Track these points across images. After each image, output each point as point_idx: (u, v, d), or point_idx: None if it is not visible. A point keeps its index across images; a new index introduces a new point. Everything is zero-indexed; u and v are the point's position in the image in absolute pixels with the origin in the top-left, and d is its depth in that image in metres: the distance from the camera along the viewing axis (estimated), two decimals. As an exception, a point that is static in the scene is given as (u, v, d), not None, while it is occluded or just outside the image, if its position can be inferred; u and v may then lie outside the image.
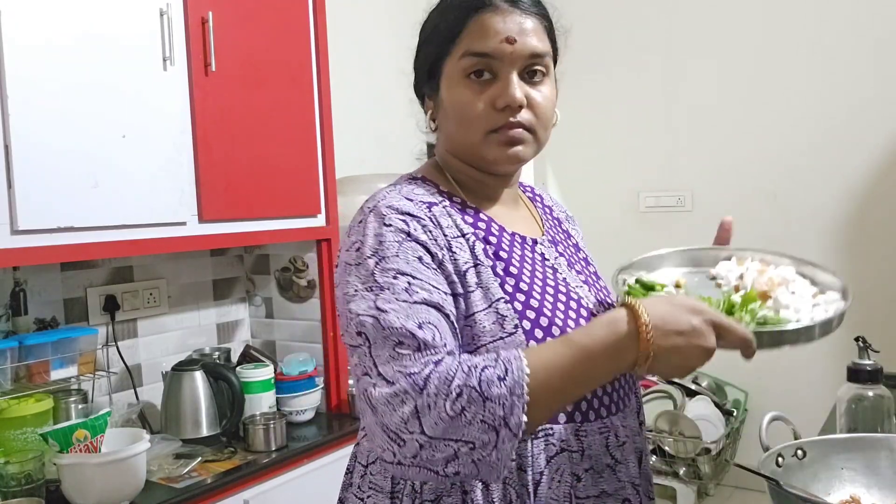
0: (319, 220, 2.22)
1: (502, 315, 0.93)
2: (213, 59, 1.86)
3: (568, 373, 0.83)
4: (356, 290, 0.89)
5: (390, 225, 0.92)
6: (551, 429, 0.95)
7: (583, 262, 1.14)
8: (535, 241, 1.07)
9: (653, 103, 3.68)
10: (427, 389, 0.80)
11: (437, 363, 0.82)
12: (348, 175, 2.54)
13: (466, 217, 1.00)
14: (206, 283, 2.33)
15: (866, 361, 1.44)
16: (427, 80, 1.04)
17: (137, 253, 1.91)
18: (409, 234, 0.92)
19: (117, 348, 2.05)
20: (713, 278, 1.18)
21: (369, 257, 0.90)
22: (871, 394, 1.41)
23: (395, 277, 0.88)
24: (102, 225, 1.66)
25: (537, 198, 1.20)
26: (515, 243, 1.03)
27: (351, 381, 2.31)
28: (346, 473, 1.08)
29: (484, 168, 1.04)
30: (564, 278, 1.05)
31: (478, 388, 0.80)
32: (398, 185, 1.02)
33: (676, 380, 3.36)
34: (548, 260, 1.06)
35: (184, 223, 1.84)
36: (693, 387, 3.33)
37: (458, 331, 0.91)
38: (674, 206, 3.71)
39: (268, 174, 2.03)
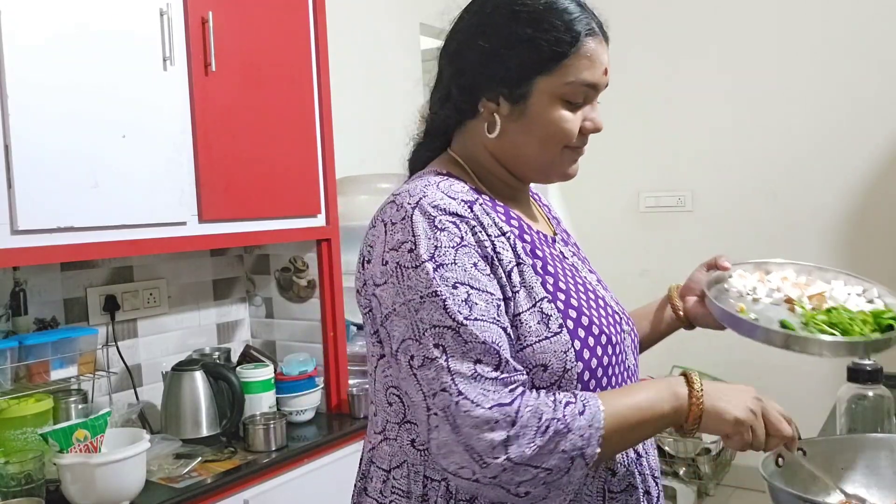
0: (319, 220, 2.22)
1: (546, 314, 0.94)
2: (213, 59, 1.85)
3: (631, 427, 0.91)
4: (422, 297, 0.88)
5: (443, 229, 0.91)
6: None
7: (587, 262, 1.16)
8: (553, 239, 1.09)
9: (653, 103, 3.68)
10: (519, 422, 0.84)
11: (522, 394, 0.87)
12: (348, 175, 2.54)
13: (500, 215, 1.00)
14: (206, 283, 2.33)
15: (866, 361, 1.44)
16: (508, 87, 0.99)
17: (137, 253, 1.90)
18: (462, 239, 0.92)
19: (117, 348, 2.05)
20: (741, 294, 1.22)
21: (426, 261, 0.89)
22: (871, 394, 1.41)
23: (454, 287, 0.88)
24: (102, 225, 1.66)
25: (535, 196, 1.20)
26: (543, 241, 1.04)
27: (352, 382, 2.32)
28: (360, 479, 1.06)
29: (534, 179, 1.07)
30: (584, 276, 1.07)
31: (563, 421, 0.86)
32: (429, 178, 0.99)
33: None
34: (567, 259, 1.07)
35: (184, 223, 1.84)
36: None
37: (513, 343, 0.92)
38: (674, 206, 3.71)
39: (268, 174, 2.03)
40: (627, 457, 1.00)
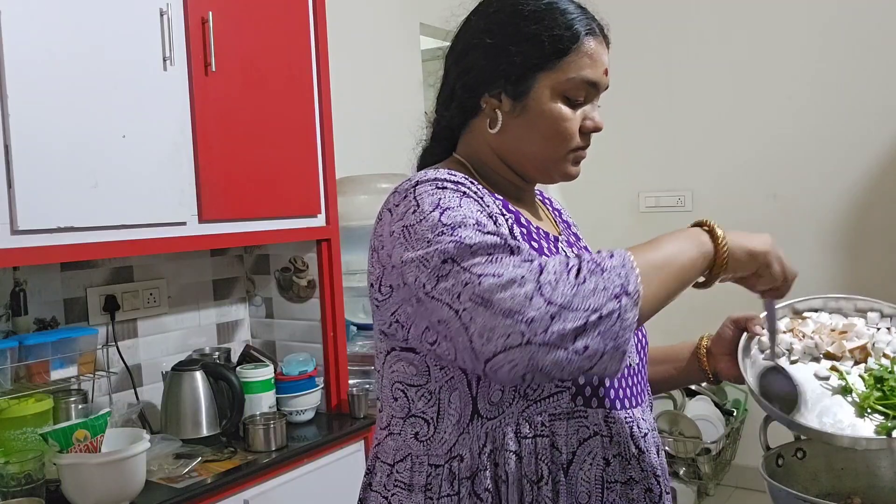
0: (319, 220, 2.22)
1: None
2: (213, 59, 1.85)
3: (664, 270, 0.89)
4: (428, 240, 0.87)
5: (444, 188, 0.93)
6: (584, 411, 0.98)
7: None
8: (556, 239, 1.10)
9: (653, 103, 3.68)
10: (546, 269, 0.83)
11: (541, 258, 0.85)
12: (348, 175, 2.54)
13: (497, 205, 1.01)
14: (206, 283, 2.33)
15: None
16: (511, 83, 1.01)
17: (137, 253, 1.91)
18: (465, 194, 0.93)
19: (117, 348, 2.05)
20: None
21: (431, 211, 0.90)
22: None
23: (462, 221, 0.88)
24: (102, 225, 1.66)
25: (546, 200, 1.22)
26: (542, 237, 1.06)
27: (352, 382, 2.32)
28: (367, 474, 1.07)
29: (535, 177, 1.08)
30: None
31: (594, 262, 0.84)
32: (429, 169, 1.01)
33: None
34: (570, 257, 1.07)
35: (184, 223, 1.84)
36: (693, 387, 3.33)
37: None
38: (674, 206, 3.71)
39: (268, 174, 2.03)
40: (627, 450, 1.00)
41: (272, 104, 2.04)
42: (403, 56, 3.15)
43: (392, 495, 1.00)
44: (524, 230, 1.03)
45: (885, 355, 1.10)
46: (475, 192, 0.95)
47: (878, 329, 1.17)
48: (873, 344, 1.12)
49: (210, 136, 1.87)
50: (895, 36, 3.17)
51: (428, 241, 0.88)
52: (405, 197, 0.94)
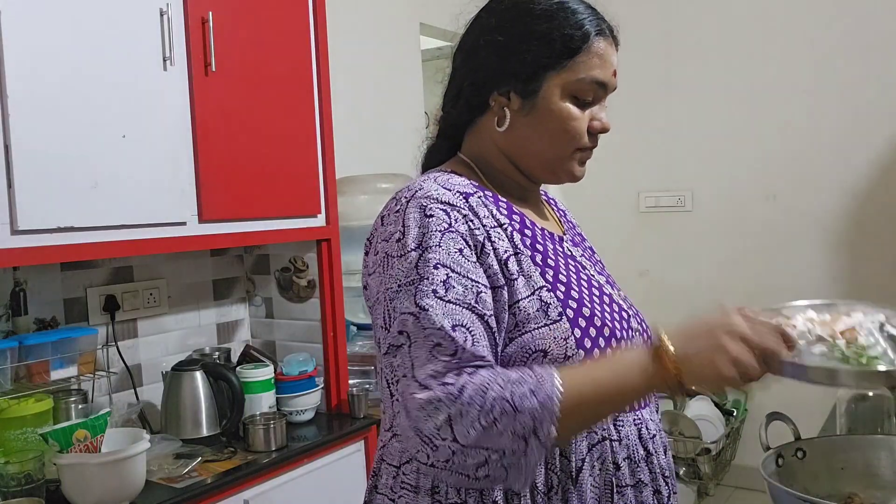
0: (319, 220, 2.22)
1: (546, 303, 0.96)
2: (213, 59, 1.85)
3: (593, 404, 0.87)
4: (399, 286, 0.90)
5: (432, 216, 0.93)
6: None
7: (601, 265, 1.17)
8: (561, 239, 1.10)
9: (653, 104, 3.68)
10: (461, 399, 0.83)
11: (471, 374, 0.85)
12: (348, 175, 2.54)
13: (501, 209, 1.02)
14: (206, 283, 2.33)
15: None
16: (521, 81, 1.01)
17: (137, 253, 1.90)
18: (450, 226, 0.93)
19: (117, 348, 2.05)
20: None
21: (413, 250, 0.91)
22: (871, 394, 1.41)
23: (435, 268, 0.89)
24: (102, 225, 1.66)
25: (551, 200, 1.22)
26: (547, 238, 1.06)
27: (352, 382, 2.32)
28: (372, 476, 1.07)
29: (541, 177, 1.08)
30: (591, 274, 1.08)
31: (511, 402, 0.83)
32: (430, 174, 1.02)
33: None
34: (574, 257, 1.08)
35: (184, 223, 1.84)
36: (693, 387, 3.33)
37: (494, 332, 0.92)
38: (674, 206, 3.71)
39: (268, 174, 2.03)
40: (637, 453, 1.01)
41: (272, 104, 2.04)
42: (403, 56, 3.14)
43: (398, 497, 1.00)
44: (529, 232, 1.02)
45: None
46: (463, 217, 0.94)
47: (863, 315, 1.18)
48: (860, 326, 1.13)
49: (210, 136, 1.87)
50: (895, 36, 3.17)
51: (397, 289, 0.90)
52: (397, 211, 0.96)
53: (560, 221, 1.18)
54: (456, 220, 0.94)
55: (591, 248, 1.20)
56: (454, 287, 0.89)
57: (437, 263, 0.90)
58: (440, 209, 0.94)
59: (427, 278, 0.89)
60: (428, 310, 0.87)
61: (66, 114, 1.59)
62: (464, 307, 0.89)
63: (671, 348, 0.87)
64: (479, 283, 0.92)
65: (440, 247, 0.91)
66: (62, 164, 1.58)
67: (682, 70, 3.63)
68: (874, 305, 1.20)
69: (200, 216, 1.86)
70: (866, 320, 1.16)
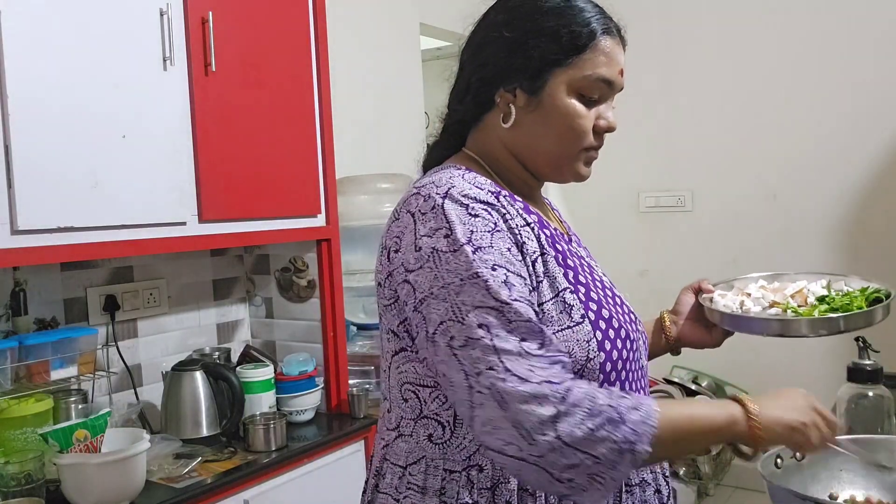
0: (319, 220, 2.22)
1: (569, 304, 0.96)
2: (213, 59, 1.85)
3: (684, 434, 0.90)
4: (462, 280, 0.89)
5: (476, 215, 0.93)
6: None
7: (597, 264, 1.17)
8: (570, 239, 1.10)
9: (653, 103, 3.68)
10: (569, 398, 0.84)
11: (573, 379, 0.87)
12: (348, 175, 2.54)
13: (521, 208, 1.01)
14: (206, 283, 2.33)
15: (866, 361, 1.45)
16: (528, 77, 1.01)
17: (137, 253, 1.90)
18: (495, 225, 0.93)
19: (117, 348, 2.05)
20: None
21: (465, 244, 0.90)
22: (871, 394, 1.41)
23: (493, 269, 0.89)
24: (102, 225, 1.66)
25: (547, 200, 1.22)
26: (561, 238, 1.06)
27: (352, 382, 2.32)
28: (374, 475, 1.06)
29: (547, 176, 1.07)
30: (601, 276, 1.09)
31: (618, 411, 0.84)
32: (451, 171, 1.00)
33: (676, 380, 3.36)
34: (583, 258, 1.09)
35: (184, 223, 1.84)
36: (693, 387, 3.33)
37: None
38: (674, 206, 3.71)
39: (268, 174, 2.03)
40: None
41: (272, 104, 2.04)
42: (403, 56, 3.14)
43: (404, 497, 0.99)
44: (547, 232, 1.02)
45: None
46: (503, 217, 0.95)
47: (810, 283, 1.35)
48: (808, 288, 1.30)
49: (210, 136, 1.87)
50: (894, 36, 3.17)
51: (460, 283, 0.89)
52: (433, 208, 0.93)
53: (560, 221, 1.18)
54: (498, 220, 0.94)
55: (586, 249, 1.20)
56: (515, 285, 0.90)
57: (495, 265, 0.90)
58: (482, 209, 0.94)
59: (490, 279, 0.88)
60: (511, 303, 0.87)
61: (66, 114, 1.59)
62: (527, 303, 0.90)
63: (754, 407, 0.92)
64: (527, 280, 0.93)
65: (493, 247, 0.91)
66: (62, 164, 1.58)
67: (682, 70, 3.63)
68: (815, 274, 1.37)
69: (200, 216, 1.86)
70: (810, 285, 1.31)
